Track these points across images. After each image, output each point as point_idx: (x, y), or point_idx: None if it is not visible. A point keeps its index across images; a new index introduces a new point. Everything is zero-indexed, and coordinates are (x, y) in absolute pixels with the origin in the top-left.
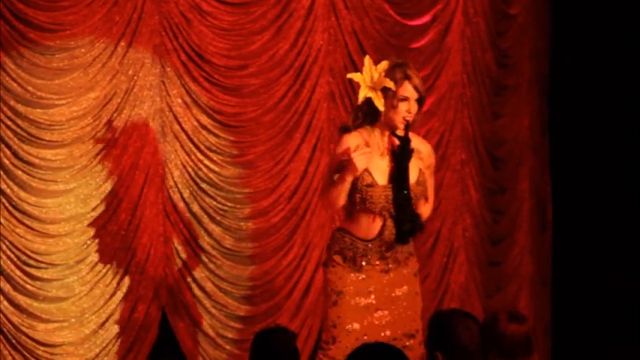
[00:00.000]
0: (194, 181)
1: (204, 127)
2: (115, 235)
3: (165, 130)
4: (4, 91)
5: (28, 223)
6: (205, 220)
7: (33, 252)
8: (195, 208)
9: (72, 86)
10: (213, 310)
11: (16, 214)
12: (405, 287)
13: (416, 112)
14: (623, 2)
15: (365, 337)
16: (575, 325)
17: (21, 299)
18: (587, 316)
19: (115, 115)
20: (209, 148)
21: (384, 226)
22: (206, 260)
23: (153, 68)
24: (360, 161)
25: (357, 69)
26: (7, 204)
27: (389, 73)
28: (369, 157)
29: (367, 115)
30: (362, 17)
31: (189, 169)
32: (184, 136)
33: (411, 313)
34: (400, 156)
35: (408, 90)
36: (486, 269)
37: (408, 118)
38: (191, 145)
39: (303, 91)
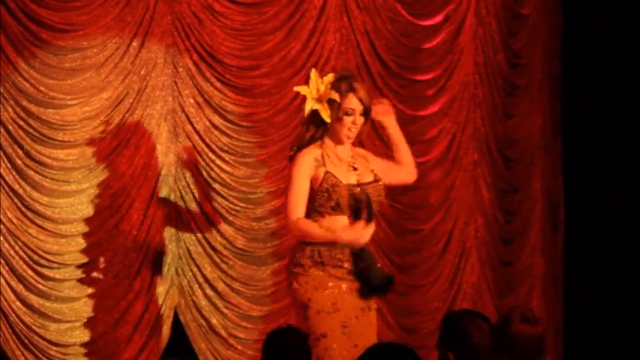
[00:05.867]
0: (206, 181)
1: (217, 128)
2: (128, 234)
3: (177, 130)
4: (16, 91)
5: (40, 223)
6: (217, 220)
7: (45, 252)
8: (208, 208)
9: (84, 86)
10: (225, 310)
11: (29, 214)
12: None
13: (362, 124)
14: (635, 2)
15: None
16: (586, 325)
17: (33, 299)
18: (598, 317)
19: (127, 115)
20: (221, 149)
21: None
22: (218, 260)
23: (165, 68)
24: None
25: (369, 69)
26: (19, 204)
27: (335, 85)
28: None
29: (319, 128)
30: (374, 17)
31: (202, 170)
32: (196, 137)
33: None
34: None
35: (352, 102)
36: (498, 269)
37: (352, 129)
38: (203, 145)
39: None
